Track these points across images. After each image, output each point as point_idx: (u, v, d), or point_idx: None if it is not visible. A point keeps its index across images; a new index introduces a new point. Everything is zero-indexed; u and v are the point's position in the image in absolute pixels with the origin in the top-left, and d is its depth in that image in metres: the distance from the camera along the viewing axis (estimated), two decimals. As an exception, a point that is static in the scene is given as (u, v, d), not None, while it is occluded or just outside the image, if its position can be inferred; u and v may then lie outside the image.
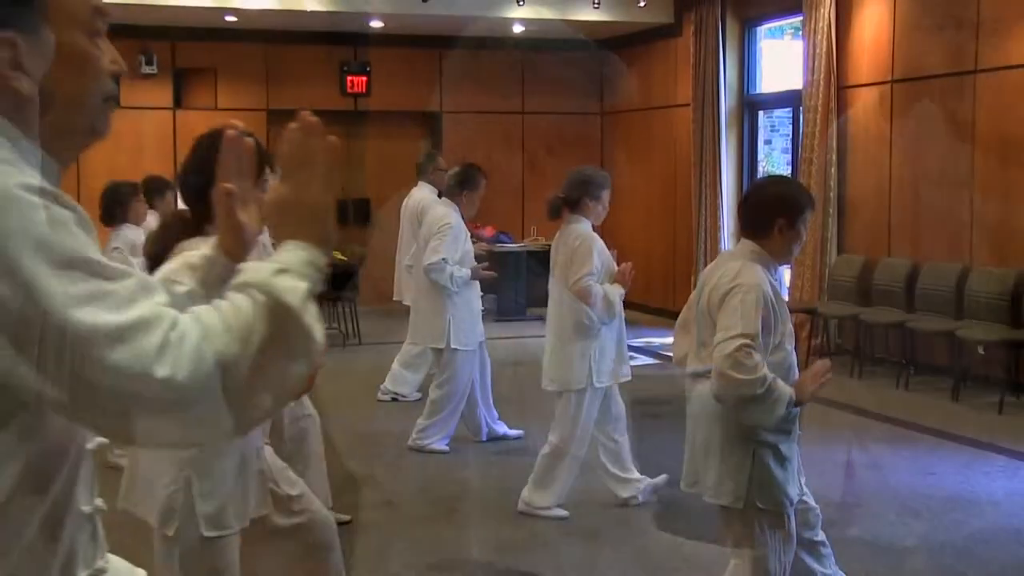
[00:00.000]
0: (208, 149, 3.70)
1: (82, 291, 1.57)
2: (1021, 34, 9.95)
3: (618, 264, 6.81)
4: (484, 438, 8.47)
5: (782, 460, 4.24)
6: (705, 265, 9.67)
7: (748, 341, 3.99)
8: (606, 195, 6.73)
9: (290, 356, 1.73)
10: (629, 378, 6.78)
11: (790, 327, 4.27)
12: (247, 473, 3.87)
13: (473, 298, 8.21)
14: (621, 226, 14.27)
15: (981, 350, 9.76)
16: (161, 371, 1.58)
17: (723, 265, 4.39)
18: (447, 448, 8.11)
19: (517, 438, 8.46)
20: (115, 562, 2.14)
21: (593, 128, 17.02)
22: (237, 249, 2.16)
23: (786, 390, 4.06)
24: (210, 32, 14.94)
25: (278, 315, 1.70)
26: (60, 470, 1.79)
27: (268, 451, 4.12)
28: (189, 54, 15.41)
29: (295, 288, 1.73)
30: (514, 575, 5.71)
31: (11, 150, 1.68)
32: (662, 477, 6.86)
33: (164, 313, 1.63)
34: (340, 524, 4.87)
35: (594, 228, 6.73)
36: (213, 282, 2.11)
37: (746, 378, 3.96)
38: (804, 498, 4.42)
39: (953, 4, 10.62)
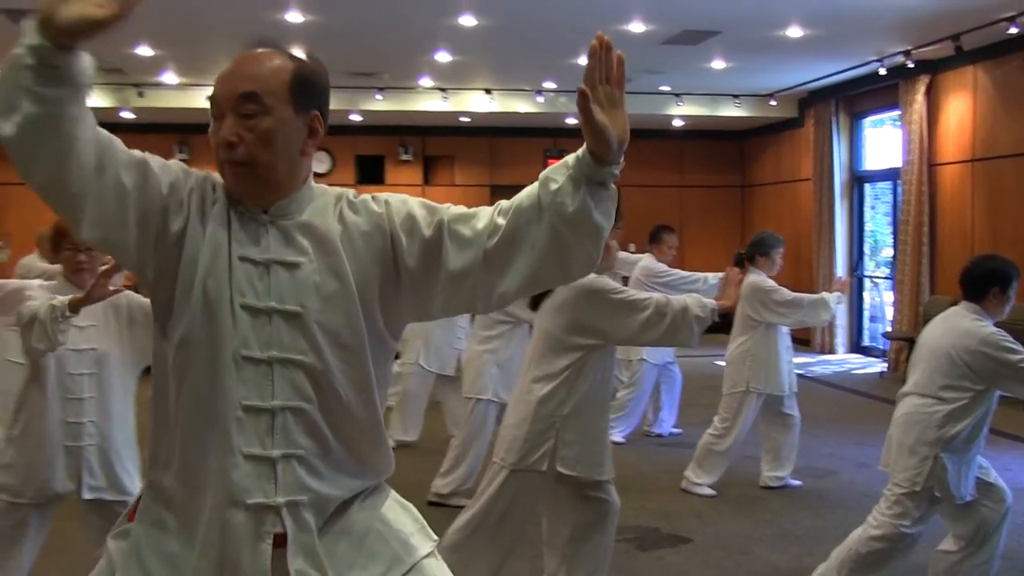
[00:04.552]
0: None
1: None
2: (1081, 122, 9.43)
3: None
4: (666, 433, 8.30)
5: (961, 464, 4.13)
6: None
7: None
8: (775, 254, 6.47)
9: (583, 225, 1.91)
10: (780, 393, 6.45)
11: None
12: (600, 436, 3.89)
13: None
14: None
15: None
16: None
17: (952, 323, 4.24)
18: (623, 440, 7.99)
19: (678, 435, 8.31)
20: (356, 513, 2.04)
21: (735, 198, 16.73)
22: (599, 148, 1.87)
23: None
24: (449, 128, 15.28)
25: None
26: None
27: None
28: (434, 145, 15.78)
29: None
30: (672, 539, 5.62)
31: None
32: (797, 483, 6.71)
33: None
34: None
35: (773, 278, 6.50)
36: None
37: None
38: (989, 480, 4.29)
39: (1022, 97, 10.14)
